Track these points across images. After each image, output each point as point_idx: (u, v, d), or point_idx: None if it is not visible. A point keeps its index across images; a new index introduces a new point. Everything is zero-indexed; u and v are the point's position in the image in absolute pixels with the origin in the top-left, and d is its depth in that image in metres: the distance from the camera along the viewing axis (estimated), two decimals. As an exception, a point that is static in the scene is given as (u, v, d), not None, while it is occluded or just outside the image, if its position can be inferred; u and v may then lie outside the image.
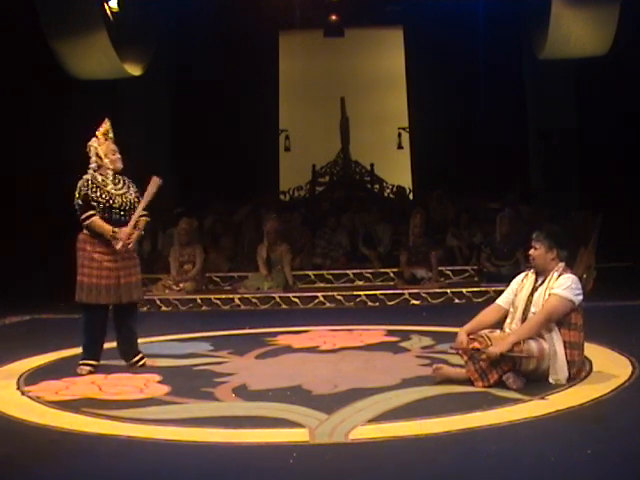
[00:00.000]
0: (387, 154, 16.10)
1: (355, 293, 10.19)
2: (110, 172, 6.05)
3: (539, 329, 5.11)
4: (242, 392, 5.26)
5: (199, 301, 10.09)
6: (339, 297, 10.12)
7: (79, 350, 6.96)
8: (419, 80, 15.37)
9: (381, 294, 10.12)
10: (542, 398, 4.79)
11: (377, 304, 10.03)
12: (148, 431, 4.37)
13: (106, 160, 6.04)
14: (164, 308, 10.11)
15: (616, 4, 10.45)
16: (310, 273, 11.14)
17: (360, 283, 10.97)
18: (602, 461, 3.72)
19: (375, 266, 11.25)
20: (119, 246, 5.95)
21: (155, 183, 6.14)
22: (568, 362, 5.13)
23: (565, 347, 5.14)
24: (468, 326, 5.35)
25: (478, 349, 5.09)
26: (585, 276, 9.68)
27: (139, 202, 6.10)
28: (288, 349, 6.88)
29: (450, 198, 13.14)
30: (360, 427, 4.32)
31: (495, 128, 14.10)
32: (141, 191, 6.17)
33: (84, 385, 5.57)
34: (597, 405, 4.67)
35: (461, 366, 5.32)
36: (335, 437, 4.18)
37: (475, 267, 10.85)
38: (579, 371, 5.26)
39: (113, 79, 11.98)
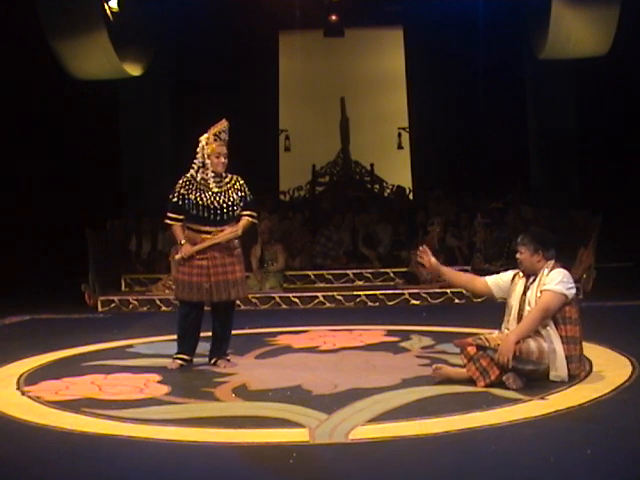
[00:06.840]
0: (387, 154, 16.09)
1: (355, 293, 10.20)
2: (211, 172, 6.06)
3: (536, 325, 5.14)
4: (242, 392, 5.26)
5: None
6: (339, 297, 10.13)
7: (79, 350, 7.00)
8: (419, 80, 15.36)
9: (381, 294, 10.13)
10: (542, 398, 4.79)
11: (377, 304, 10.03)
12: (148, 431, 4.37)
13: (208, 161, 6.06)
14: (164, 308, 10.12)
15: (616, 4, 10.45)
16: (310, 273, 11.15)
17: (360, 283, 10.98)
18: (602, 461, 3.72)
19: (375, 266, 11.26)
20: (177, 257, 6.08)
21: (235, 230, 6.10)
22: (566, 357, 5.14)
23: (563, 342, 5.16)
24: (448, 269, 5.66)
25: (483, 347, 5.11)
26: (585, 276, 9.70)
27: (243, 201, 6.12)
28: (288, 349, 6.89)
29: (450, 198, 13.14)
30: (360, 427, 4.32)
31: (495, 128, 14.10)
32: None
33: (84, 385, 5.57)
34: (597, 405, 4.67)
35: (461, 366, 5.33)
36: (335, 437, 4.18)
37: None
38: (578, 367, 5.26)
39: (113, 79, 11.98)
